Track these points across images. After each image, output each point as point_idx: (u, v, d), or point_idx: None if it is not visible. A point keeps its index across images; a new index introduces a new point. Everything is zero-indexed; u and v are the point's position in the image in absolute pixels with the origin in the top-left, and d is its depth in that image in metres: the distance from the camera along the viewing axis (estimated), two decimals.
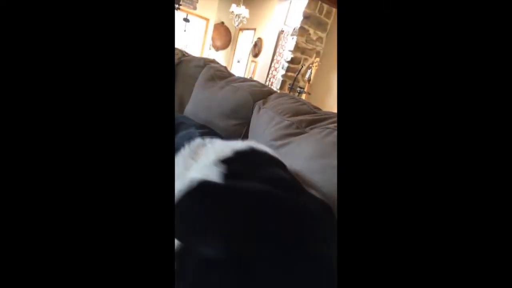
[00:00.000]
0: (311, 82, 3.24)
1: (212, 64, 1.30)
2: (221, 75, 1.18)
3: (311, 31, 3.19)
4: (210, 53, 5.23)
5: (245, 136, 0.97)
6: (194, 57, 1.40)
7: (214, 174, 0.41)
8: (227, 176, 0.41)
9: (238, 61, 5.21)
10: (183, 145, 0.51)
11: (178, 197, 0.35)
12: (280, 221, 0.33)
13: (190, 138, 0.74)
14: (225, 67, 1.32)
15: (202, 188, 0.36)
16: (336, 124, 0.75)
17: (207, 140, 0.53)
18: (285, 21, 4.03)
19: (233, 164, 0.44)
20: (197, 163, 0.46)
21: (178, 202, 0.35)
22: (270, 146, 0.79)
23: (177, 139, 0.75)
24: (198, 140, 0.51)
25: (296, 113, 0.83)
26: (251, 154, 0.49)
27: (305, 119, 0.81)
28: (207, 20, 5.12)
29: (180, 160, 0.47)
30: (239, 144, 0.51)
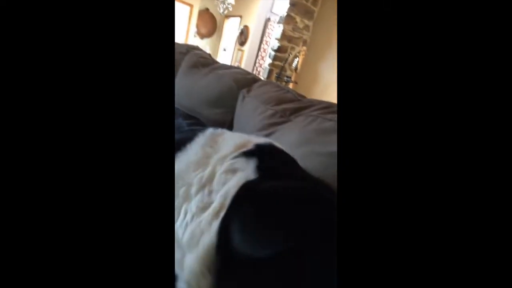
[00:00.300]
0: (298, 71, 3.23)
1: (196, 51, 1.27)
2: (205, 62, 1.15)
3: (298, 19, 3.15)
4: (195, 41, 5.10)
5: (230, 126, 0.95)
6: (177, 44, 1.35)
7: (251, 170, 0.40)
8: (263, 171, 0.41)
9: (224, 50, 5.10)
10: (196, 135, 0.49)
11: (231, 196, 0.36)
12: (328, 217, 0.33)
13: (177, 128, 0.73)
14: (209, 54, 1.28)
15: (256, 189, 0.37)
16: (319, 112, 0.75)
17: (219, 130, 0.52)
18: (271, 8, 3.96)
19: (260, 158, 0.43)
20: (218, 153, 0.45)
21: (233, 202, 0.35)
22: (256, 135, 0.79)
23: None
24: (210, 130, 0.50)
25: (280, 102, 0.83)
26: (273, 149, 0.49)
27: (289, 107, 0.81)
28: (191, 6, 4.95)
29: (198, 148, 0.46)
30: (256, 138, 0.50)
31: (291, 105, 0.81)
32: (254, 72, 4.02)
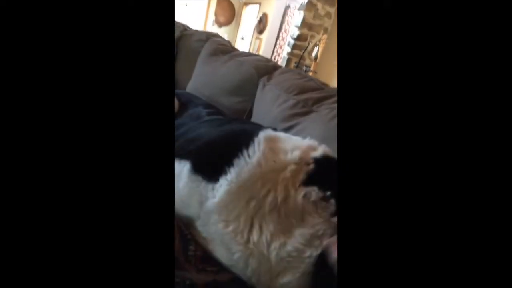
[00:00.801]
0: (317, 60, 3.14)
1: (215, 38, 1.25)
2: (225, 49, 1.13)
3: (319, 5, 3.04)
4: (213, 30, 5.06)
5: (249, 114, 0.94)
6: (196, 31, 1.34)
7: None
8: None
9: (242, 38, 5.04)
10: (250, 139, 0.48)
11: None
12: None
13: (197, 118, 0.72)
14: (229, 41, 1.26)
15: None
16: None
17: (270, 133, 0.51)
18: None
19: (323, 177, 0.45)
20: (284, 171, 0.45)
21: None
22: (276, 127, 0.77)
23: (184, 118, 0.73)
24: (262, 134, 0.50)
25: (302, 90, 0.80)
26: (329, 163, 0.49)
27: (311, 97, 0.78)
28: None
29: (261, 158, 0.45)
30: (309, 148, 0.50)
31: (314, 94, 0.78)
32: None
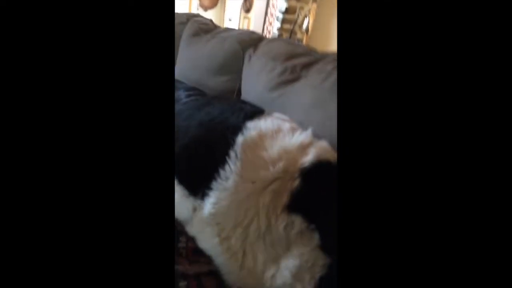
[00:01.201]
0: (309, 33, 3.01)
1: (196, 18, 1.17)
2: (207, 28, 1.06)
3: None
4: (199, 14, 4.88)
5: (239, 93, 0.89)
6: (176, 14, 1.26)
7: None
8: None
9: (230, 19, 4.87)
10: (226, 154, 0.43)
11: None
12: None
13: (176, 101, 0.68)
14: (211, 20, 1.19)
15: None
16: (334, 66, 0.65)
17: (247, 139, 0.46)
18: None
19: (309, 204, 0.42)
20: (263, 195, 0.41)
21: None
22: (265, 97, 0.72)
23: None
24: (240, 141, 0.45)
25: (290, 57, 0.74)
26: (318, 173, 0.45)
27: (299, 62, 0.72)
28: None
29: (238, 180, 0.42)
30: (311, 143, 0.46)
31: (302, 60, 0.72)
32: None
